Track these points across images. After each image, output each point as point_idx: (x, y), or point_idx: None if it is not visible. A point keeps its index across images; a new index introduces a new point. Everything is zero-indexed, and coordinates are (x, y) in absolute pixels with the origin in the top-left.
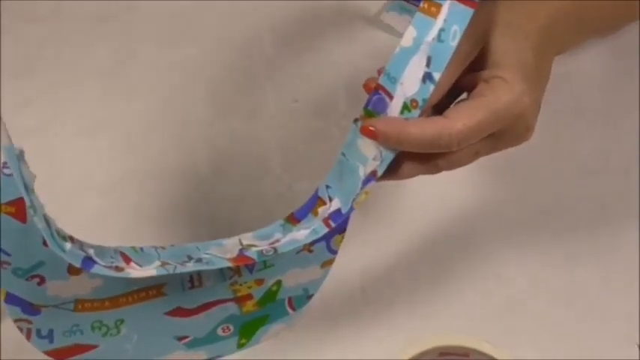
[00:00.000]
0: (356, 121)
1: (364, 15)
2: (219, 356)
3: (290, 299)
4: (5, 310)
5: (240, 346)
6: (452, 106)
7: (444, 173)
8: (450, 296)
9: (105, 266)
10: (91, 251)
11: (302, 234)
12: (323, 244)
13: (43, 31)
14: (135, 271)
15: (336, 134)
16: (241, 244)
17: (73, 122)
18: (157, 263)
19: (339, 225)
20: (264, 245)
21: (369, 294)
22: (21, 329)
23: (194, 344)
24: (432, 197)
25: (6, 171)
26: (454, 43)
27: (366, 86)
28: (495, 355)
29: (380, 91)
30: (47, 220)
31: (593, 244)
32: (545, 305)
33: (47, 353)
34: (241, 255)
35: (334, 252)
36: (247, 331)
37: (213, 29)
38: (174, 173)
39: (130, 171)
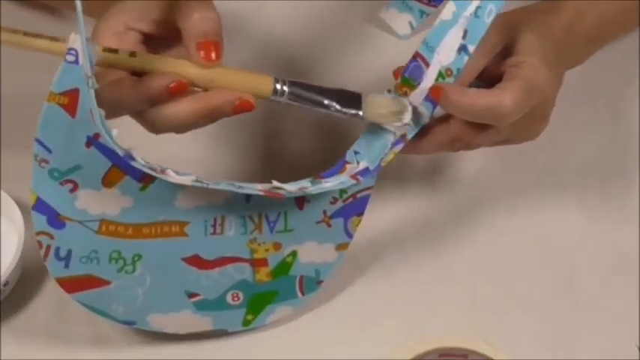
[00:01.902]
0: (389, 91)
1: (363, 13)
2: (223, 329)
3: (302, 279)
4: (5, 310)
5: (246, 322)
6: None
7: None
8: (450, 296)
9: (144, 164)
10: (133, 151)
11: (330, 184)
12: (341, 221)
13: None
14: (172, 177)
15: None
16: (272, 185)
17: None
18: (193, 177)
19: (358, 206)
20: (293, 189)
21: (369, 294)
22: (41, 245)
23: (203, 306)
24: (434, 199)
25: (69, 58)
26: (489, 20)
27: (395, 72)
28: (494, 357)
29: (417, 59)
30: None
31: (593, 244)
32: (545, 305)
33: (60, 281)
34: (272, 190)
35: (350, 235)
36: (255, 304)
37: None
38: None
39: None
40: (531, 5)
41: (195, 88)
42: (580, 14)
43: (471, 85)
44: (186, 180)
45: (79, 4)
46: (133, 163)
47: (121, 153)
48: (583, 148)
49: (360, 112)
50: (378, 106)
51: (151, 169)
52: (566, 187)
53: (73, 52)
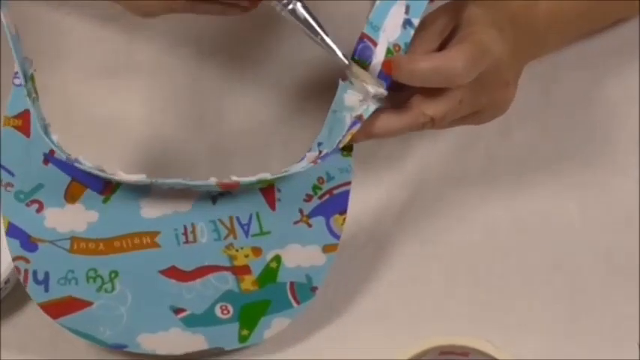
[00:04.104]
0: (343, 79)
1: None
2: (220, 348)
3: (292, 286)
4: (5, 310)
5: (243, 339)
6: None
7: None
8: (451, 296)
9: (91, 167)
10: (80, 157)
11: (290, 172)
12: (322, 219)
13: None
14: (119, 176)
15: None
16: (229, 178)
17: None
18: (143, 175)
19: (338, 203)
20: (251, 179)
21: (369, 293)
22: (19, 270)
23: (192, 322)
24: (435, 199)
25: (16, 81)
26: None
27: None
28: (495, 355)
29: (365, 39)
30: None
31: (593, 244)
32: (545, 305)
33: (43, 306)
34: (224, 180)
35: (336, 236)
36: (248, 317)
37: (214, 28)
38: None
39: None
40: None
41: None
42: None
43: None
44: (135, 178)
45: (5, 26)
46: (78, 166)
47: (63, 157)
48: (583, 147)
49: (346, 62)
50: (361, 73)
51: (100, 170)
52: (566, 186)
53: (18, 75)
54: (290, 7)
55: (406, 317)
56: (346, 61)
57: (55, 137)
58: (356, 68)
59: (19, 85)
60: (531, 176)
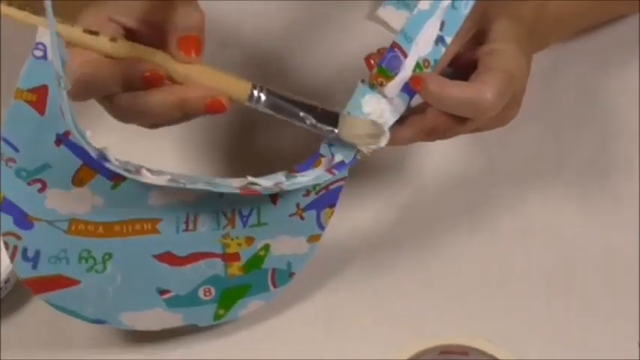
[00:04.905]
0: (363, 81)
1: (361, 10)
2: (194, 324)
3: (274, 272)
4: (5, 310)
5: (217, 316)
6: (471, 79)
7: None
8: (451, 296)
9: (118, 165)
10: (108, 152)
11: (306, 179)
12: (314, 213)
13: None
14: (146, 177)
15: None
16: (247, 181)
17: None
18: (168, 177)
19: (331, 197)
20: (269, 184)
21: (369, 293)
22: (7, 245)
23: (174, 303)
24: (435, 198)
25: (37, 53)
26: (466, 11)
27: (366, 60)
28: (495, 354)
29: (395, 49)
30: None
31: (593, 244)
32: (545, 305)
33: (27, 282)
34: (248, 187)
35: (322, 227)
36: (227, 299)
37: (212, 28)
38: None
39: None
40: None
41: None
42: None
43: (442, 72)
44: (162, 180)
45: (48, 3)
46: (107, 165)
47: (94, 154)
48: (583, 147)
49: (336, 130)
50: (355, 126)
51: (126, 170)
52: (566, 187)
53: (40, 46)
54: (263, 98)
55: (406, 317)
56: (335, 130)
57: (88, 133)
58: (351, 119)
59: (41, 57)
60: (531, 176)
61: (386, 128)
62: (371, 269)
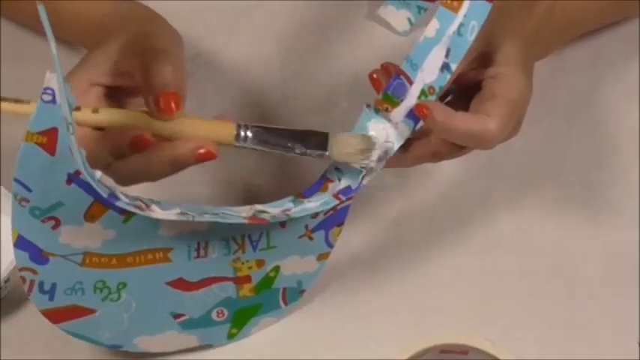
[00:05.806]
0: (368, 106)
1: (362, 10)
2: (209, 345)
3: (284, 291)
4: (5, 310)
5: (231, 336)
6: (472, 106)
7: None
8: (451, 296)
9: (129, 203)
10: (117, 190)
11: (313, 205)
12: (322, 233)
13: None
14: (156, 213)
15: (338, 130)
16: (255, 209)
17: None
18: (177, 210)
19: (339, 217)
20: (276, 212)
21: (369, 293)
22: (24, 280)
23: (188, 325)
24: (434, 198)
25: (45, 97)
26: (471, 38)
27: (370, 77)
28: (495, 354)
29: (401, 77)
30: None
31: (593, 244)
32: (546, 304)
33: (45, 313)
34: (255, 216)
35: (331, 246)
36: (240, 319)
37: (214, 29)
38: None
39: None
40: (505, 4)
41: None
42: (551, 11)
43: (446, 90)
44: (171, 215)
45: (53, 47)
46: (117, 204)
47: (104, 194)
48: (583, 149)
49: (326, 153)
50: (345, 145)
51: (137, 207)
52: (566, 187)
53: (49, 91)
54: (249, 135)
55: (406, 316)
56: (327, 153)
57: (98, 174)
58: (340, 138)
59: (49, 102)
60: (532, 177)
61: (391, 153)
62: (371, 270)
